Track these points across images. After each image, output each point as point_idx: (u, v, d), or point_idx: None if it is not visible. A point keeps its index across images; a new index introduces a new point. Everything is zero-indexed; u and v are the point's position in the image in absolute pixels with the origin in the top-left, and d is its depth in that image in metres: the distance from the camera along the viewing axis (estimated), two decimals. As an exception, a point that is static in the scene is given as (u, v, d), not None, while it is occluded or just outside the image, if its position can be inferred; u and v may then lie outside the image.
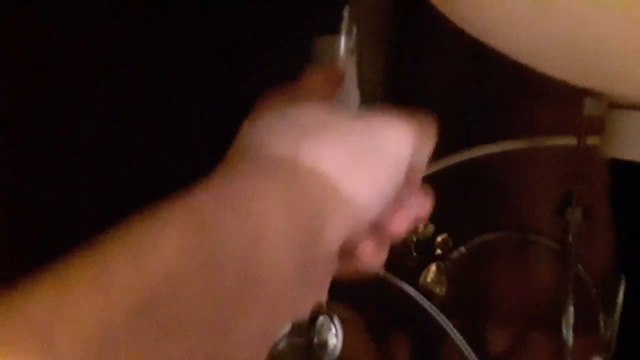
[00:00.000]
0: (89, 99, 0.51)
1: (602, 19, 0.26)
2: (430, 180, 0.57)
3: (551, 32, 0.29)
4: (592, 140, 0.49)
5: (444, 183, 0.59)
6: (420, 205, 0.36)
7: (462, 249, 0.58)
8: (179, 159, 0.56)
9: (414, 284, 0.59)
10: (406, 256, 0.61)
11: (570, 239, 0.51)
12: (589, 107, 0.45)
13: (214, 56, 0.61)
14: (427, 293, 0.59)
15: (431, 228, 0.61)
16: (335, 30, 0.45)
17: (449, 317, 0.58)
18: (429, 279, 0.60)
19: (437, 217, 0.61)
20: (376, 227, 0.33)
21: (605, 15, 0.26)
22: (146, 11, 0.52)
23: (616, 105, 0.35)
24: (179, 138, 0.57)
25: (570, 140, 0.49)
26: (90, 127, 0.51)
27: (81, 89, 0.50)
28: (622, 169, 0.37)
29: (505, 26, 0.31)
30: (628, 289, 0.54)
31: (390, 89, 0.51)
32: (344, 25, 0.45)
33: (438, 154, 0.57)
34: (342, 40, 0.45)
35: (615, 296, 0.54)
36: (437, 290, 0.60)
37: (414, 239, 0.62)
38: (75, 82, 0.50)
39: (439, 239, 0.61)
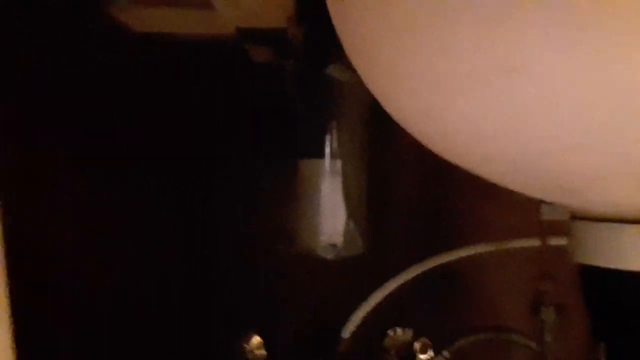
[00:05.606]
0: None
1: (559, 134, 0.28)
2: (406, 286, 0.58)
3: (501, 147, 0.31)
4: (557, 241, 0.51)
5: (419, 288, 0.60)
6: None
7: (446, 354, 0.58)
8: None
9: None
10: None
11: (547, 337, 0.51)
12: (547, 212, 0.46)
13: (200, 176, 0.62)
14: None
15: (410, 332, 0.62)
16: (320, 155, 0.48)
17: None
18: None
19: (415, 322, 0.62)
20: None
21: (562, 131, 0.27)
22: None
23: (578, 216, 0.36)
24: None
25: (537, 242, 0.51)
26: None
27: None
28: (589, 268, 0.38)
29: (454, 140, 0.32)
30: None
31: (369, 202, 0.53)
32: (329, 150, 0.48)
33: (412, 259, 0.58)
34: (327, 163, 0.48)
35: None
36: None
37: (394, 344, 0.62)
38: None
39: (418, 343, 0.61)
